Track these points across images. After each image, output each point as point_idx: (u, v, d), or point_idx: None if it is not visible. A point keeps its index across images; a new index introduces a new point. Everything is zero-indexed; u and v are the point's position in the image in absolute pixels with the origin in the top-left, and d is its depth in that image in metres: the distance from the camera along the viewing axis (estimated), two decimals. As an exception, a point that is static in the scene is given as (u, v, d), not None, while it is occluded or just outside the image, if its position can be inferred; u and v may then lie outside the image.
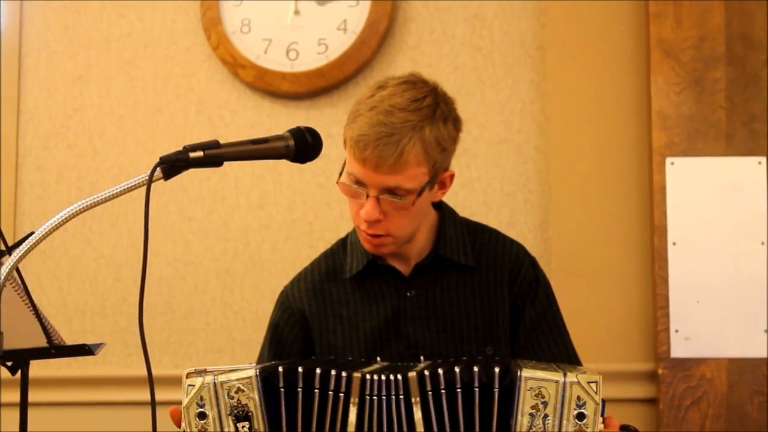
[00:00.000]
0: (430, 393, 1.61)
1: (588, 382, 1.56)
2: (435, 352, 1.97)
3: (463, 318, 2.00)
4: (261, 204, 3.18)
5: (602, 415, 1.58)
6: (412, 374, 1.61)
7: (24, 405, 1.84)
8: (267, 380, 1.62)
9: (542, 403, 1.56)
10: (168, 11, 3.26)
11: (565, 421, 1.55)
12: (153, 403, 1.48)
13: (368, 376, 1.62)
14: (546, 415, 1.56)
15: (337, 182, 1.94)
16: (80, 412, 3.14)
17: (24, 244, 1.45)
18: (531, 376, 1.57)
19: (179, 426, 1.70)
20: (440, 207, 2.08)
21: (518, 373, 1.57)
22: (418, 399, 1.60)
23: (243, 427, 1.60)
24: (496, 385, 1.59)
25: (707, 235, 2.91)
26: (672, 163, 2.93)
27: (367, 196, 1.88)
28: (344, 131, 1.92)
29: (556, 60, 3.08)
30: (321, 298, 2.07)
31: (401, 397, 1.61)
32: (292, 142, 1.66)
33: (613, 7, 3.07)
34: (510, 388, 1.58)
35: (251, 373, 1.61)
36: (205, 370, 1.64)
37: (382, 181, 1.86)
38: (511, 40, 3.14)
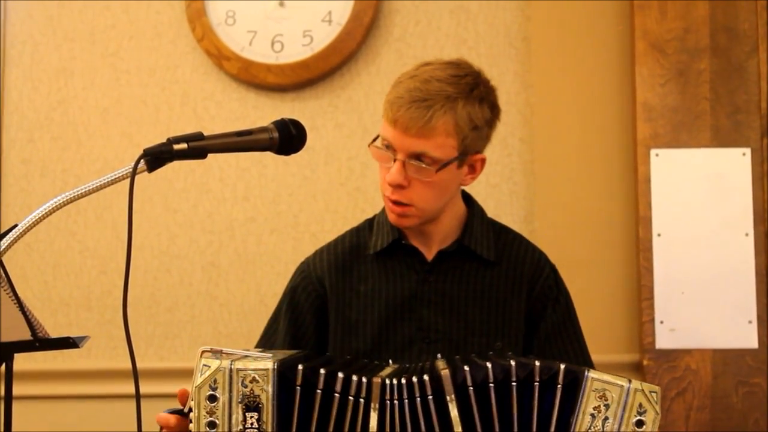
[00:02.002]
0: (471, 388, 1.60)
1: (650, 392, 1.58)
2: (446, 337, 2.01)
3: (478, 309, 2.03)
4: (246, 196, 3.17)
5: None
6: (445, 372, 1.60)
7: (8, 398, 1.83)
8: (283, 375, 1.60)
9: (605, 405, 1.58)
10: (152, 3, 3.25)
11: (624, 427, 1.57)
12: (138, 396, 1.48)
13: (387, 381, 1.61)
14: (606, 418, 1.58)
15: (368, 146, 1.99)
16: (65, 406, 3.14)
17: (8, 236, 1.45)
18: (598, 377, 1.59)
19: (183, 405, 1.71)
20: (471, 204, 2.13)
21: (585, 373, 1.59)
22: (453, 396, 1.60)
23: (251, 417, 1.59)
24: (560, 382, 1.60)
25: (692, 226, 2.92)
26: (657, 155, 2.94)
27: (395, 160, 1.93)
28: (384, 99, 1.98)
29: (541, 52, 3.08)
30: (342, 271, 2.09)
31: (430, 397, 1.60)
32: (276, 134, 1.67)
33: (598, -1, 3.08)
34: (573, 386, 1.60)
35: (269, 365, 1.59)
36: (222, 351, 1.63)
37: (410, 145, 1.91)
38: (496, 31, 3.14)
